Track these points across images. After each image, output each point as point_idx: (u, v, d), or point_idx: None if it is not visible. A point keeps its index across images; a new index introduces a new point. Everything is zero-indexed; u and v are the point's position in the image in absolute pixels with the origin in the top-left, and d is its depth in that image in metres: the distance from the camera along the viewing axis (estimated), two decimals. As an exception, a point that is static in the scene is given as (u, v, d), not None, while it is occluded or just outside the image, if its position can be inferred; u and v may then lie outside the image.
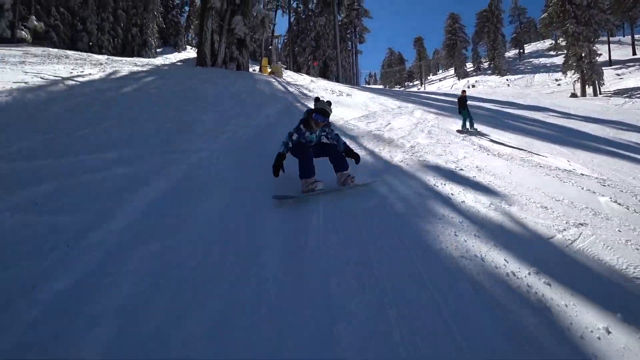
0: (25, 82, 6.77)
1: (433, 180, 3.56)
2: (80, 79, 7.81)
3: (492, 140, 6.50)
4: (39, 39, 16.78)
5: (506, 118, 10.12)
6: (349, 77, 31.53)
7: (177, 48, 30.22)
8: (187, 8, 33.89)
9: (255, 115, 5.93)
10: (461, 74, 45.69)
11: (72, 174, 2.84)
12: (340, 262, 2.07)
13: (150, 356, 1.38)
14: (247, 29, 13.34)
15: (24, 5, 16.66)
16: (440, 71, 58.63)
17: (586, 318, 1.74)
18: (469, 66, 49.14)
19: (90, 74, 8.70)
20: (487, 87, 33.80)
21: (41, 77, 7.66)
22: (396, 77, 56.71)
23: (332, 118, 6.99)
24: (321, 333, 1.55)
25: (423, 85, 42.74)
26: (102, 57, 13.84)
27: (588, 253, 2.35)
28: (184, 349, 1.42)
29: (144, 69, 10.37)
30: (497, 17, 42.92)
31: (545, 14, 24.96)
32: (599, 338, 1.63)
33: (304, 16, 29.88)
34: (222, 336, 1.50)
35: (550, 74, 33.19)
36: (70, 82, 7.29)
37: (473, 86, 35.93)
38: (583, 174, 4.39)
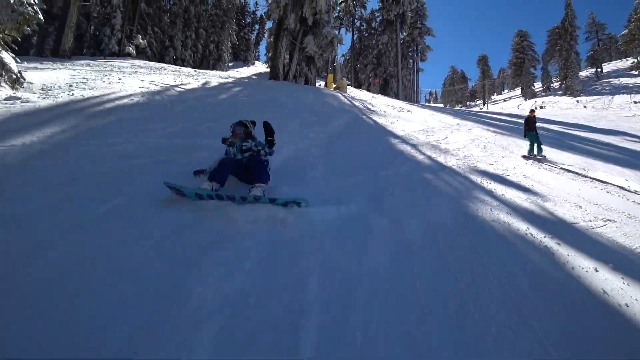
0: (147, 88, 8.88)
1: (480, 180, 4.48)
2: (184, 87, 9.83)
3: (550, 162, 6.61)
4: (137, 54, 20.29)
5: (572, 140, 10.22)
6: (409, 95, 32.36)
7: (247, 63, 33.76)
8: (256, 26, 37.67)
9: (328, 123, 7.24)
10: (528, 94, 43.94)
11: (219, 149, 4.30)
12: (413, 217, 3.14)
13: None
14: (317, 47, 15.09)
15: (130, 25, 20.27)
16: (506, 91, 56.73)
17: (582, 262, 2.61)
18: (538, 86, 47.04)
19: (189, 84, 10.81)
20: (556, 108, 32.29)
21: (155, 84, 9.82)
22: (458, 95, 56.13)
23: (394, 130, 8.08)
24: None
25: (486, 105, 41.84)
26: (191, 70, 16.50)
27: (605, 236, 3.11)
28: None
29: (229, 81, 12.43)
30: (570, 35, 40.97)
31: (627, 30, 23.74)
32: (587, 272, 2.50)
33: (366, 34, 31.68)
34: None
35: (632, 95, 30.88)
36: (178, 89, 9.29)
37: (541, 107, 34.51)
38: (637, 192, 4.78)
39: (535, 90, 45.53)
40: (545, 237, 2.91)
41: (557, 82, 43.52)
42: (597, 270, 2.50)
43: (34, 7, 7.02)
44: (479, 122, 12.20)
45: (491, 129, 10.75)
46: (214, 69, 26.01)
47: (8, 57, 6.89)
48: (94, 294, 1.72)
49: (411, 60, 34.09)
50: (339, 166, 4.38)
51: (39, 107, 5.72)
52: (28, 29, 6.81)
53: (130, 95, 7.50)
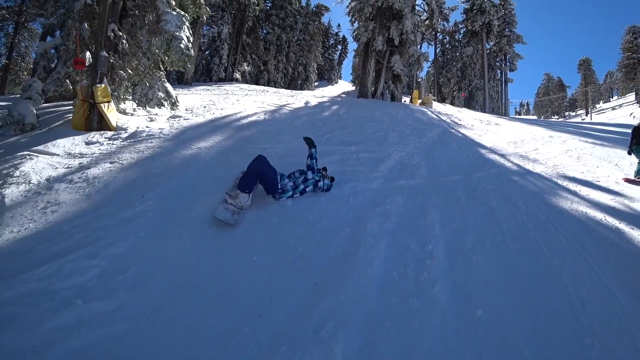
0: (263, 107, 11.14)
1: (565, 183, 5.28)
2: (291, 107, 11.94)
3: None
4: (235, 78, 23.91)
5: None
6: (497, 107, 31.51)
7: (331, 82, 36.76)
8: (339, 47, 40.66)
9: (422, 135, 8.48)
10: None
11: (343, 153, 5.90)
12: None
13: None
14: (403, 66, 16.45)
15: (234, 54, 24.08)
16: (615, 97, 50.35)
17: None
18: None
19: (293, 103, 13.01)
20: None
21: (268, 105, 12.16)
22: (554, 106, 51.72)
23: (482, 142, 8.93)
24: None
25: (589, 115, 38.01)
26: (288, 91, 19.22)
27: None
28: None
29: (325, 100, 14.47)
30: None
31: None
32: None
33: (449, 47, 32.01)
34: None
35: None
36: (287, 108, 11.38)
37: (664, 115, 30.34)
38: None
39: (653, 95, 39.97)
40: (620, 223, 3.77)
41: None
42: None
43: (191, 50, 9.70)
44: (576, 134, 12.05)
45: (590, 140, 10.60)
46: (301, 88, 28.99)
47: (169, 86, 9.63)
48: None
49: (499, 71, 33.18)
50: (438, 168, 5.64)
51: (196, 122, 8.07)
52: (190, 66, 9.51)
53: (255, 113, 9.73)
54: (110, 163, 5.15)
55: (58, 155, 5.74)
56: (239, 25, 22.96)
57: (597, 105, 47.93)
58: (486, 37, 28.83)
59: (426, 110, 14.36)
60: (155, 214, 3.33)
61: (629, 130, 7.83)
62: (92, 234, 3.01)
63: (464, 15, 29.85)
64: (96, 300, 2.15)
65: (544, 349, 1.85)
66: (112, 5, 7.48)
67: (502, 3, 30.41)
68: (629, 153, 6.42)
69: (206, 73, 22.42)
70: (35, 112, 7.93)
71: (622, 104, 43.81)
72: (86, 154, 5.75)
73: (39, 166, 5.05)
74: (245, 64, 22.68)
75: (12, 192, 4.16)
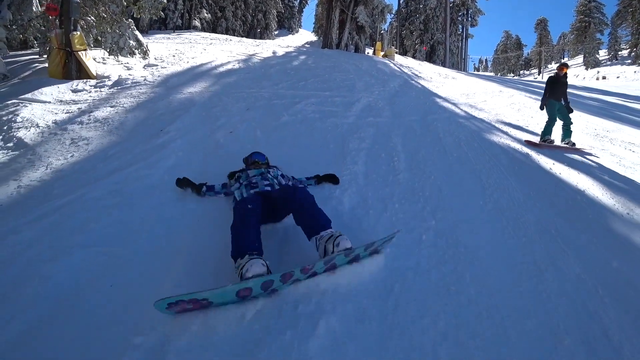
0: (233, 57, 11.72)
1: (500, 126, 6.85)
2: (260, 56, 12.53)
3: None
4: (188, 28, 23.36)
5: (621, 111, 11.36)
6: (457, 63, 33.37)
7: (291, 31, 36.31)
8: (300, -8, 39.77)
9: (386, 85, 9.73)
10: (590, 63, 42.46)
11: (319, 97, 7.01)
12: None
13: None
14: (367, 17, 17.26)
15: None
16: (566, 59, 54.59)
17: (544, 160, 5.10)
18: (603, 54, 45.09)
19: (261, 52, 13.60)
20: (621, 79, 31.76)
21: (236, 54, 12.69)
22: (510, 64, 55.09)
23: (439, 93, 10.40)
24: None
25: (541, 75, 41.32)
26: (252, 40, 19.37)
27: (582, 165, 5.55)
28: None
29: (292, 50, 15.12)
30: (648, -6, 38.84)
31: None
32: (548, 166, 5.00)
33: (413, -2, 32.72)
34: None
35: None
36: (257, 58, 12.00)
37: (604, 78, 34.06)
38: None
39: (600, 59, 43.87)
40: (531, 151, 5.35)
41: (626, 49, 41.62)
42: (553, 164, 4.99)
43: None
44: (524, 91, 13.77)
45: (534, 96, 12.08)
46: (261, 37, 28.70)
47: (139, 34, 9.98)
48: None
49: (460, 26, 34.71)
50: (399, 111, 6.97)
51: (176, 71, 8.72)
52: (162, 13, 9.83)
53: (228, 62, 10.40)
54: (112, 107, 5.91)
55: (49, 102, 6.34)
56: (193, -34, 22.06)
57: (549, 66, 51.59)
58: (450, -12, 29.79)
59: (388, 62, 15.54)
60: (183, 141, 4.36)
61: (571, 90, 8.92)
62: (137, 155, 4.01)
63: (429, -35, 30.39)
64: (169, 191, 3.26)
65: (459, 193, 3.34)
66: (79, -53, 7.62)
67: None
68: (541, 108, 6.07)
69: (160, 21, 21.65)
70: (3, 61, 8.08)
71: (571, 65, 47.48)
72: (79, 101, 6.39)
73: (37, 112, 5.69)
74: (204, 10, 22.09)
75: (26, 135, 4.90)
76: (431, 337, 1.80)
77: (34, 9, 9.06)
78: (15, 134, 4.90)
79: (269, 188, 2.69)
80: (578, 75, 38.35)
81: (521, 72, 54.14)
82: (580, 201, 3.74)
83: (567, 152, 5.43)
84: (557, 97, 5.94)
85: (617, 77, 32.88)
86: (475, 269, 2.36)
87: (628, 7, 40.25)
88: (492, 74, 53.29)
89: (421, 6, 30.76)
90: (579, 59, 47.25)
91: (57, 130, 5.06)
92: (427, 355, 1.70)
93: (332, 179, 3.28)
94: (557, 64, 6.20)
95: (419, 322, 1.88)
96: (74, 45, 7.49)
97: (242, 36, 27.29)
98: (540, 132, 5.94)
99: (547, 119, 5.86)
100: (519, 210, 3.30)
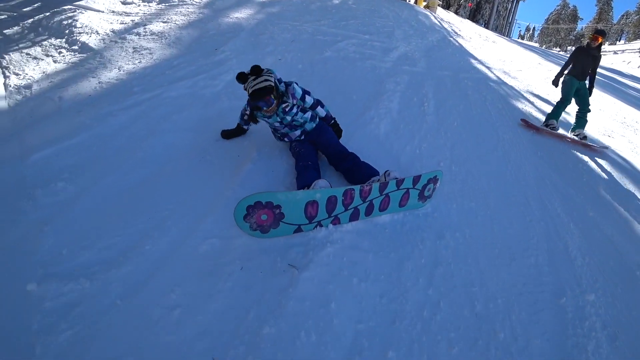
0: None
1: (528, 95, 7.27)
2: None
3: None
4: None
5: None
6: (501, 26, 31.92)
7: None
8: None
9: (424, 38, 9.94)
10: None
11: (359, 39, 7.42)
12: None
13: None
14: (415, -40, 16.62)
15: None
16: (622, 42, 50.81)
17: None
18: None
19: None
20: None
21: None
22: (559, 37, 51.80)
23: (475, 54, 10.56)
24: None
25: (590, 55, 38.96)
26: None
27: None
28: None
29: (331, -12, 14.97)
30: None
31: None
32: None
33: (468, -57, 30.54)
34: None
35: None
36: (297, -7, 12.07)
37: (654, 64, 32.24)
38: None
39: (660, 47, 40.89)
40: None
41: (693, 41, 38.60)
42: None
43: None
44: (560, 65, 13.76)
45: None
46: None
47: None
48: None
49: (514, -16, 32.63)
50: (434, 64, 7.39)
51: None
52: None
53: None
54: (164, 23, 6.45)
55: (103, 12, 6.90)
56: None
57: (603, 47, 48.03)
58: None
59: (429, 14, 15.30)
60: (238, 60, 5.02)
61: (615, 75, 10.15)
62: (199, 68, 4.70)
63: None
64: (234, 100, 3.97)
65: (476, 139, 4.04)
66: None
67: None
68: (554, 84, 5.33)
69: None
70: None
71: (625, 49, 44.32)
72: (130, 13, 6.94)
73: (94, 20, 6.28)
74: None
75: (89, 40, 5.54)
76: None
77: None
78: (78, 38, 5.55)
79: (302, 136, 2.91)
80: (630, 62, 36.24)
81: (569, 47, 51.03)
82: (581, 168, 4.40)
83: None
84: (579, 74, 5.06)
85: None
86: (478, 189, 3.12)
87: None
88: (536, 44, 50.44)
89: (475, -45, 28.89)
90: (637, 44, 44.00)
91: (116, 39, 5.68)
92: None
93: (338, 131, 3.13)
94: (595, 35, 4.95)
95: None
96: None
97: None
98: (547, 114, 5.32)
99: (558, 99, 5.18)
100: (524, 161, 4.00)
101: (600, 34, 4.95)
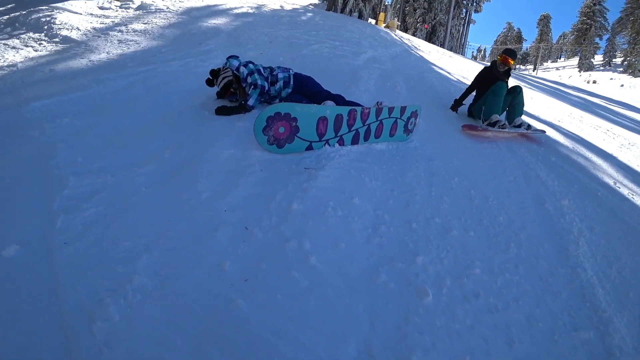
0: (244, 3, 12.36)
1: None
2: (268, 8, 13.13)
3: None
4: None
5: (600, 109, 13.05)
6: (455, 47, 34.38)
7: (293, -6, 36.55)
8: (305, -46, 39.40)
9: (388, 48, 10.70)
10: (584, 66, 44.26)
11: (330, 45, 7.92)
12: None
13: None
14: (374, -14, 17.93)
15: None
16: (562, 59, 56.34)
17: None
18: (598, 59, 46.85)
19: (269, 4, 14.21)
20: (612, 84, 33.57)
21: (251, 1, 13.26)
22: (508, 57, 56.42)
23: (435, 63, 11.46)
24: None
25: (536, 70, 42.95)
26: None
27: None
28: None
29: (298, 7, 15.74)
30: (652, 5, 40.54)
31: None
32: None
33: (420, -24, 33.21)
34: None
35: None
36: (267, 9, 12.62)
37: (594, 82, 35.92)
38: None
39: (594, 63, 45.60)
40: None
41: (621, 57, 43.30)
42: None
43: None
44: (516, 79, 14.95)
45: (522, 83, 13.57)
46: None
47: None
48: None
49: (464, 10, 35.51)
50: (400, 66, 8.00)
51: (194, 5, 9.36)
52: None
53: (241, 6, 11.04)
54: (145, 24, 6.66)
55: (80, 14, 7.02)
56: None
57: (545, 63, 53.13)
58: (457, -29, 30.44)
59: (390, 32, 16.45)
60: (223, 52, 5.26)
61: (559, 87, 11.11)
62: (188, 53, 4.93)
63: (439, -57, 30.79)
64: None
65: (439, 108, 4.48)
66: None
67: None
68: (454, 109, 4.56)
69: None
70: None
71: (566, 66, 49.13)
72: (109, 16, 7.09)
73: (73, 19, 6.40)
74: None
75: (71, 34, 5.65)
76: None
77: None
78: (58, 32, 5.63)
79: (290, 90, 3.36)
80: (571, 76, 39.94)
81: (517, 66, 55.60)
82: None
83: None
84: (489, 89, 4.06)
85: (611, 79, 34.60)
86: (455, 136, 3.50)
87: (630, 15, 41.68)
88: (488, 63, 54.14)
89: (427, -15, 31.40)
90: (575, 60, 48.85)
91: (99, 34, 5.81)
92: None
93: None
94: (504, 53, 4.21)
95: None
96: (102, -36, 8.03)
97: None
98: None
99: (488, 95, 4.01)
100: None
101: (509, 55, 4.12)
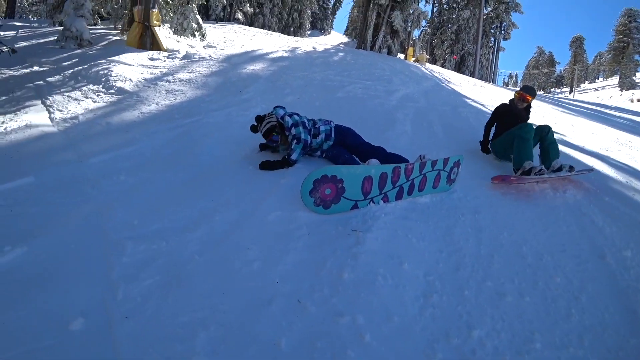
0: (278, 47, 12.92)
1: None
2: (302, 50, 13.70)
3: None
4: (234, 19, 24.78)
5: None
6: (486, 75, 34.08)
7: (323, 32, 37.82)
8: (335, -5, 41.35)
9: (419, 83, 10.74)
10: (626, 85, 42.12)
11: (363, 85, 8.05)
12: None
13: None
14: (402, 22, 18.35)
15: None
16: (600, 79, 54.11)
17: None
18: (639, 76, 44.53)
19: (302, 47, 14.80)
20: (658, 104, 31.77)
21: (280, 45, 13.89)
22: (541, 81, 55.13)
23: (466, 94, 11.35)
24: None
25: (572, 93, 41.39)
26: (291, 37, 20.68)
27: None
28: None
29: (329, 47, 16.28)
30: (691, 18, 38.68)
31: None
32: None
33: (447, 7, 33.70)
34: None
35: None
36: (300, 51, 13.17)
37: (638, 100, 34.09)
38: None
39: (637, 81, 43.58)
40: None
41: (665, 72, 41.20)
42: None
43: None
44: (551, 104, 14.53)
45: (560, 109, 12.92)
46: (295, 35, 30.03)
47: (200, 19, 11.24)
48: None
49: (492, 38, 35.39)
50: (433, 102, 7.98)
51: (233, 52, 9.89)
52: (224, 1, 11.13)
53: (276, 51, 11.56)
54: (190, 73, 7.07)
55: (133, 65, 7.55)
56: (239, -38, 23.59)
57: (582, 85, 51.32)
58: (485, 1, 30.60)
59: (420, 66, 16.56)
60: (262, 99, 5.48)
61: (600, 109, 10.57)
62: (229, 102, 5.17)
63: (465, -23, 31.30)
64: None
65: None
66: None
67: (504, -32, 32.11)
68: (484, 150, 4.30)
69: (203, 11, 23.16)
70: (88, 29, 9.42)
71: (605, 86, 47.19)
72: (158, 66, 7.59)
73: (126, 71, 6.89)
74: (247, 4, 23.60)
75: (124, 85, 6.07)
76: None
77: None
78: (114, 83, 6.08)
79: (331, 143, 3.38)
80: (612, 96, 38.15)
81: (552, 89, 54.03)
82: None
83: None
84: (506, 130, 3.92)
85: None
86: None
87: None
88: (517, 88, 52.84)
89: (454, 16, 31.68)
90: (614, 79, 46.82)
91: (149, 84, 6.22)
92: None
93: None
94: (522, 88, 4.15)
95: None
96: (152, 20, 8.76)
97: (277, 32, 28.60)
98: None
99: (515, 141, 3.60)
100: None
101: (527, 93, 4.02)
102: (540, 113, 10.59)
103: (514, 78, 64.62)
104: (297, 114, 3.26)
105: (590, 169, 3.85)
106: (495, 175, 3.47)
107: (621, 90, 41.42)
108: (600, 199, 3.43)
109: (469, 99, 10.51)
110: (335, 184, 2.39)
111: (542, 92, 52.75)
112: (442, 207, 2.75)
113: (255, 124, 3.37)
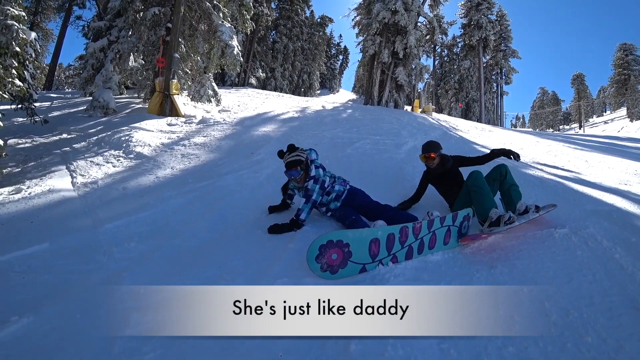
0: (289, 108, 13.48)
1: (534, 164, 7.68)
2: (312, 109, 14.27)
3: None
4: (247, 84, 26.28)
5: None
6: (492, 119, 34.49)
7: (332, 90, 39.83)
8: (341, 57, 43.93)
9: (427, 134, 10.88)
10: (635, 115, 41.61)
11: (372, 140, 8.19)
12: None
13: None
14: (406, 77, 19.09)
15: (245, 61, 26.51)
16: (608, 112, 53.76)
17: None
18: None
19: (312, 107, 15.42)
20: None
21: (291, 107, 14.50)
22: (549, 119, 55.25)
23: (475, 141, 11.39)
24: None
25: (582, 128, 41.12)
26: (301, 98, 21.73)
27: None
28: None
29: (338, 105, 16.93)
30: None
31: None
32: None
33: (447, 59, 35.15)
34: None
35: None
36: (310, 110, 13.73)
37: (644, 130, 33.32)
38: None
39: (644, 110, 43.01)
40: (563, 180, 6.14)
41: (671, 98, 40.79)
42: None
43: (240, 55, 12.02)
44: (563, 142, 14.39)
45: (573, 146, 12.48)
46: (305, 95, 31.53)
47: (215, 86, 11.92)
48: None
49: (495, 84, 36.28)
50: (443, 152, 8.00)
51: (246, 115, 10.35)
52: (238, 69, 11.91)
53: (287, 112, 12.06)
54: (204, 137, 7.37)
55: (152, 131, 7.94)
56: (251, 34, 25.45)
57: (591, 119, 51.08)
58: (483, 51, 31.81)
59: (427, 117, 16.91)
60: (273, 160, 5.55)
61: (613, 141, 10.32)
62: (241, 165, 5.28)
63: (462, 30, 32.88)
64: (272, 188, 4.38)
65: None
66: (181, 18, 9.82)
67: (499, 19, 33.74)
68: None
69: (219, 77, 24.75)
70: (114, 99, 10.12)
71: (614, 118, 46.79)
72: (175, 131, 7.95)
73: (146, 137, 7.22)
74: (260, 70, 25.25)
75: (143, 150, 6.34)
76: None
77: (130, 63, 11.33)
78: (134, 149, 6.37)
79: (338, 204, 3.35)
80: (623, 127, 37.54)
81: (560, 127, 53.78)
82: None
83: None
84: (447, 199, 3.78)
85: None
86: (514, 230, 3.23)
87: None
88: (530, 129, 53.19)
89: (455, 67, 32.93)
90: (622, 111, 46.45)
91: (165, 149, 6.48)
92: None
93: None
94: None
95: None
96: (172, 90, 9.36)
97: (289, 94, 30.08)
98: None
99: (471, 194, 3.23)
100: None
101: (427, 151, 3.75)
102: (552, 152, 10.49)
103: (521, 119, 65.02)
104: (323, 169, 3.31)
105: (554, 205, 3.47)
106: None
107: (631, 121, 40.76)
108: (626, 239, 3.09)
109: (477, 144, 10.52)
110: (342, 248, 2.33)
111: (550, 130, 52.71)
112: (454, 264, 2.59)
113: (284, 150, 3.35)
